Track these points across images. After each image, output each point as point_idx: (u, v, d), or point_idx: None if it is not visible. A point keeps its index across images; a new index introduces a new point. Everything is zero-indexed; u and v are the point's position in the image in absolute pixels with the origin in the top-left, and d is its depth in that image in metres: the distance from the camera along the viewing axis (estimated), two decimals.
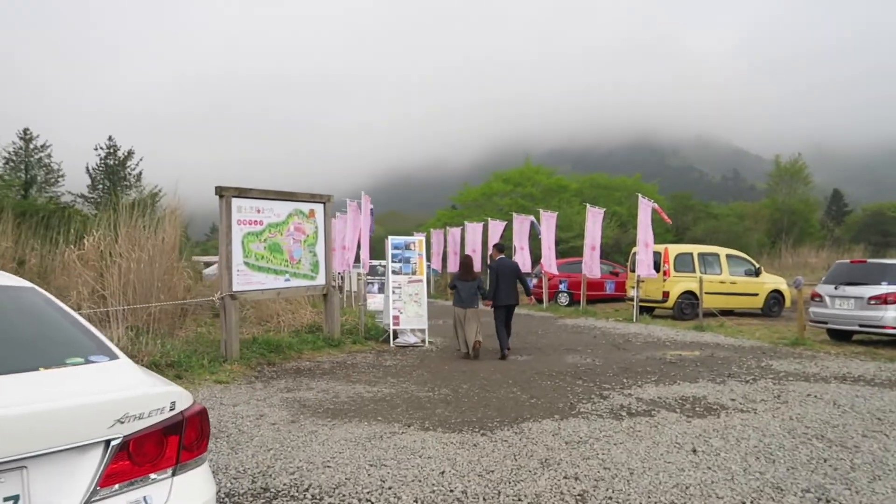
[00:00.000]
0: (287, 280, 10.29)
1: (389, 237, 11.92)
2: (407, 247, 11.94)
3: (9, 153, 41.26)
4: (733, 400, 7.28)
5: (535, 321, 16.85)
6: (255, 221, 9.79)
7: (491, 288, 10.81)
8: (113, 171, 44.04)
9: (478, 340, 10.45)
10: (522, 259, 24.23)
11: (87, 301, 10.31)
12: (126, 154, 45.26)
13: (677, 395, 7.51)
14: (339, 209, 22.61)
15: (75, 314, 2.95)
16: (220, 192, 9.26)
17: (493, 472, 4.81)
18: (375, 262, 18.23)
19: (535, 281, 23.33)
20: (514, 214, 23.66)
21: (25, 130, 43.54)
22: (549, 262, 21.18)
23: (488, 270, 11.29)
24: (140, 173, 44.78)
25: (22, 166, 42.36)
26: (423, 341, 11.67)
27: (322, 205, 11.01)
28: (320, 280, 10.91)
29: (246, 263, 9.61)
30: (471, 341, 10.38)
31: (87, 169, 45.20)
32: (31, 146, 42.98)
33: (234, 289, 9.40)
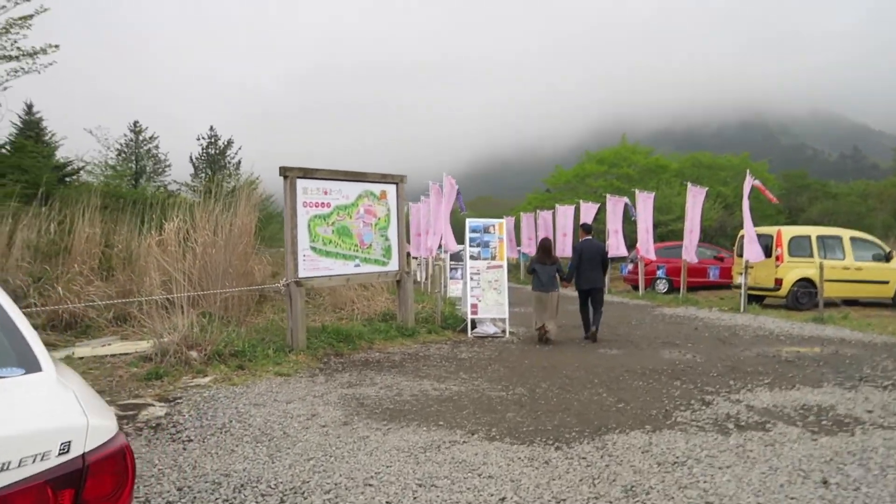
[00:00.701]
0: (357, 266, 9.73)
1: (468, 220, 11.12)
2: (486, 230, 11.10)
3: (121, 145, 43.75)
4: (870, 412, 5.99)
5: (630, 310, 15.59)
6: (322, 203, 9.25)
7: (571, 269, 10.57)
8: (213, 160, 45.80)
9: (544, 325, 10.09)
10: (616, 243, 22.85)
11: (159, 287, 10.18)
12: (226, 143, 46.87)
13: (798, 404, 6.30)
14: (425, 193, 22.07)
15: (13, 313, 2.34)
16: (284, 172, 8.78)
17: (563, 502, 3.94)
18: (460, 247, 17.51)
19: (630, 266, 21.89)
20: (608, 196, 22.25)
21: (135, 123, 45.88)
22: (646, 247, 19.71)
23: (573, 251, 11.09)
24: (239, 162, 46.28)
25: (133, 157, 44.91)
26: (504, 332, 10.84)
27: (394, 185, 10.35)
28: (393, 266, 10.28)
29: (313, 248, 9.11)
30: (540, 321, 10.12)
31: (191, 158, 47.25)
32: (141, 138, 45.44)
33: (300, 275, 8.92)
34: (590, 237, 10.85)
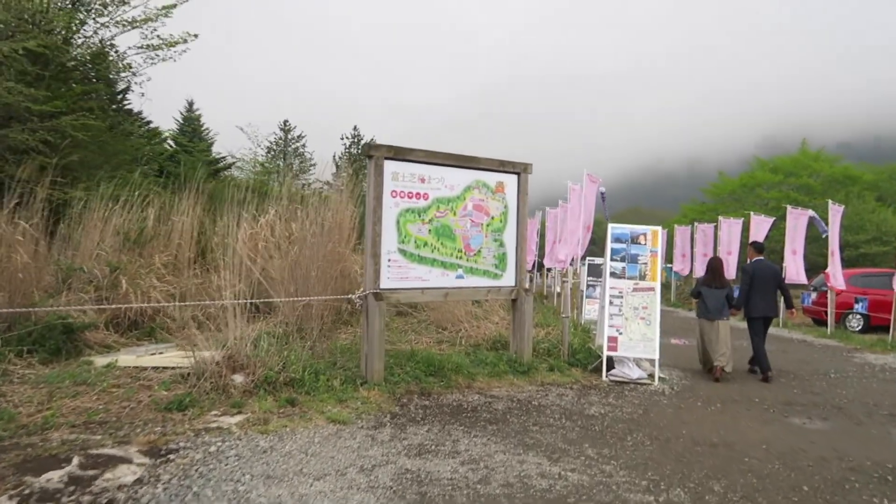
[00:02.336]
0: (459, 277, 7.50)
1: (610, 226, 8.52)
2: (634, 240, 8.44)
3: (270, 143, 45.12)
4: None
5: (818, 353, 12.07)
6: (418, 194, 7.13)
7: (742, 294, 9.14)
8: (355, 159, 46.00)
9: (720, 366, 8.56)
10: (796, 266, 18.94)
11: (233, 288, 8.60)
12: (369, 143, 46.95)
13: None
14: (562, 197, 19.51)
15: None
16: (369, 151, 6.75)
17: None
18: (598, 261, 14.77)
19: (813, 296, 17.86)
20: (789, 208, 18.37)
21: (285, 122, 47.33)
22: (835, 273, 15.80)
23: (742, 273, 9.69)
24: None
25: (281, 155, 46.24)
26: (652, 377, 8.12)
27: (515, 176, 8.02)
28: (508, 280, 7.95)
29: (401, 251, 7.01)
30: (713, 362, 8.66)
31: (334, 157, 47.81)
32: (289, 136, 46.79)
33: (382, 285, 6.85)
34: (761, 257, 9.45)
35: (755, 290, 9.00)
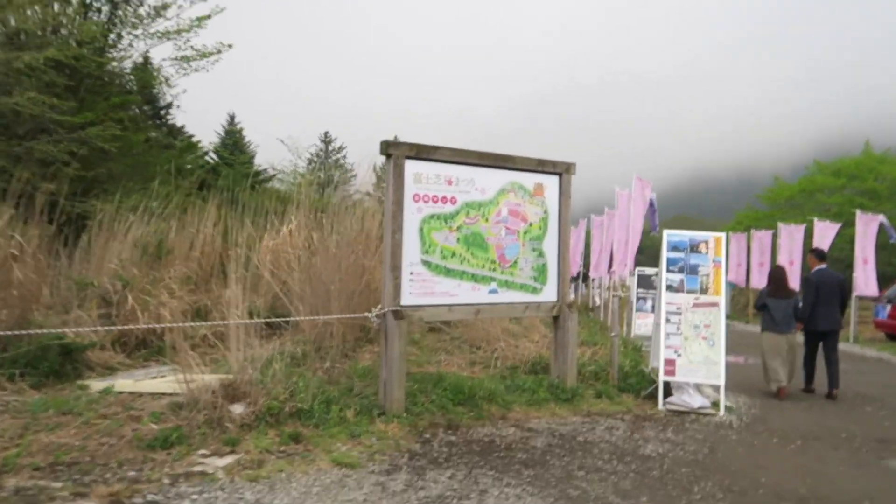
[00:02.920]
0: (493, 292, 6.59)
1: (667, 233, 7.50)
2: (694, 248, 7.40)
3: (311, 154, 45.12)
4: None
5: None
6: (444, 198, 6.26)
7: (806, 306, 8.51)
8: None
9: (783, 386, 8.14)
10: (865, 276, 17.46)
11: (244, 304, 7.87)
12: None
13: None
14: (608, 204, 18.43)
15: None
16: (387, 149, 5.92)
17: None
18: (649, 271, 13.64)
19: (888, 308, 16.29)
20: (858, 213, 16.90)
21: (326, 134, 47.28)
22: None
23: (804, 284, 9.06)
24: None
25: (322, 166, 46.13)
26: (716, 406, 7.05)
27: (556, 177, 7.08)
28: (548, 294, 7.00)
29: (426, 263, 6.15)
30: (779, 383, 8.14)
31: (374, 168, 47.45)
32: (330, 148, 46.72)
33: (404, 301, 6.00)
34: (824, 265, 8.86)
35: (819, 302, 8.43)
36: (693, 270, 7.31)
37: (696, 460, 5.37)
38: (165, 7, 17.65)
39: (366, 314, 6.01)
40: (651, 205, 12.23)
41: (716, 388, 7.23)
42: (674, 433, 6.15)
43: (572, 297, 7.19)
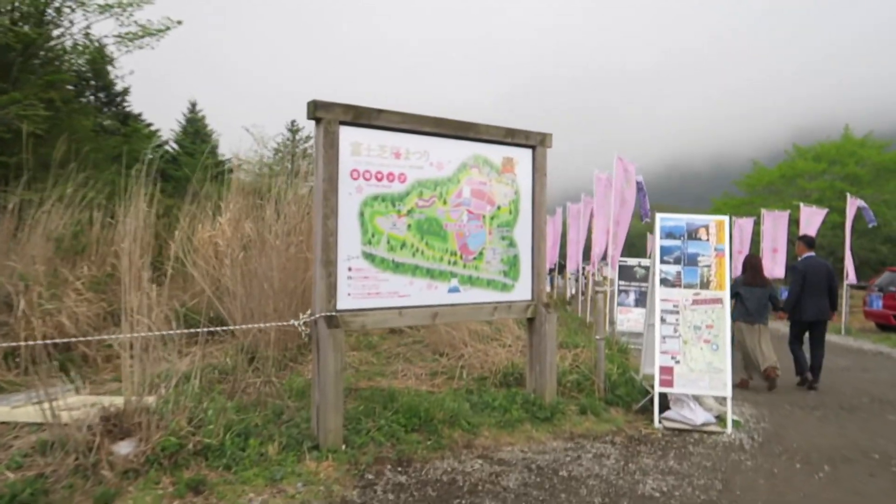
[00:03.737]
0: (454, 290, 5.38)
1: (659, 217, 6.36)
2: (692, 234, 6.26)
3: (278, 143, 43.40)
4: None
5: None
6: (391, 175, 5.03)
7: (792, 295, 8.24)
8: None
9: (772, 366, 7.76)
10: (848, 263, 16.72)
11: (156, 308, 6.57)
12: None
13: None
14: (587, 191, 17.34)
15: None
16: (315, 111, 4.65)
17: None
18: (631, 262, 12.56)
19: (882, 297, 15.45)
20: (849, 196, 16.03)
21: (293, 122, 45.66)
22: None
23: (791, 272, 8.88)
24: None
25: (289, 156, 44.51)
26: (722, 420, 5.94)
27: (529, 150, 5.88)
28: (521, 292, 5.82)
29: (368, 256, 4.92)
30: (762, 365, 7.78)
31: None
32: (297, 137, 45.12)
33: (340, 305, 4.77)
34: (812, 253, 8.49)
35: (806, 291, 8.14)
36: (692, 261, 6.18)
37: (709, 501, 4.23)
38: None
39: (292, 322, 4.75)
40: (640, 188, 11.12)
41: (720, 401, 6.12)
42: (676, 460, 5.02)
43: (549, 291, 6.05)
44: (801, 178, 27.61)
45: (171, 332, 5.43)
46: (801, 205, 18.11)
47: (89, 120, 18.68)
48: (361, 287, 4.90)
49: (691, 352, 5.98)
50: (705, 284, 6.12)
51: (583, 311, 16.39)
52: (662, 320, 6.09)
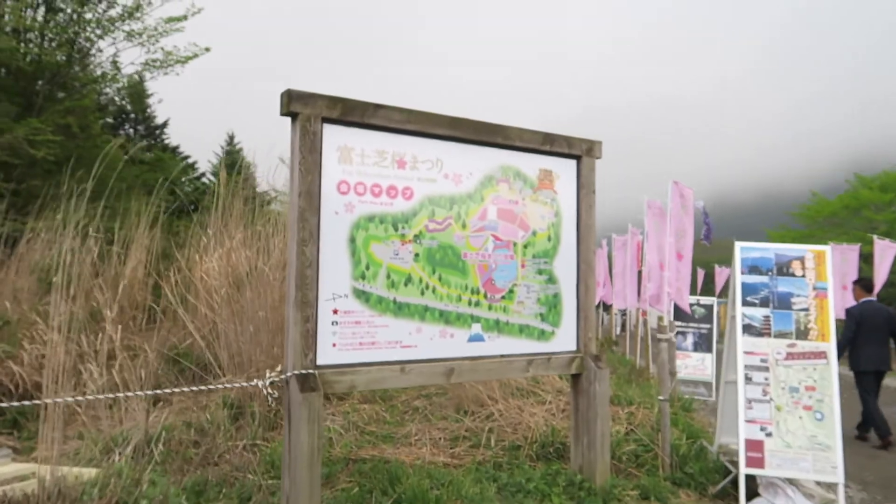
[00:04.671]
0: (476, 339, 4.15)
1: (739, 246, 5.04)
2: (783, 269, 4.91)
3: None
4: None
5: None
6: (392, 189, 3.87)
7: (843, 341, 7.31)
8: None
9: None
10: None
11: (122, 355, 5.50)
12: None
13: None
14: (635, 222, 15.95)
15: None
16: (290, 104, 3.53)
17: None
18: (692, 300, 11.10)
19: None
20: None
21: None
22: None
23: (846, 316, 7.91)
24: None
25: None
26: None
27: (574, 161, 4.67)
28: (564, 340, 4.55)
29: (360, 294, 3.74)
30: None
31: None
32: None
33: (322, 359, 3.59)
34: (871, 298, 7.94)
35: (864, 339, 7.53)
36: (783, 303, 4.82)
37: None
38: (139, 7, 15.74)
39: (255, 381, 3.57)
40: (704, 213, 9.75)
41: (829, 487, 4.69)
42: None
43: (599, 342, 4.76)
44: (867, 208, 25.60)
45: (107, 395, 4.33)
46: (875, 237, 16.32)
47: (119, 149, 18.29)
48: (351, 335, 3.71)
49: (787, 422, 4.59)
50: (802, 333, 4.74)
51: (632, 352, 14.89)
52: (747, 379, 4.72)
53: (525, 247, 4.40)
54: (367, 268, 3.78)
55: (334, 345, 3.66)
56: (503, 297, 4.28)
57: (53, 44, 15.45)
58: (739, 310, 4.85)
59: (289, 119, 3.64)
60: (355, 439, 5.38)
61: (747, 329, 4.83)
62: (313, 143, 3.59)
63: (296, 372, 3.48)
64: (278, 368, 3.61)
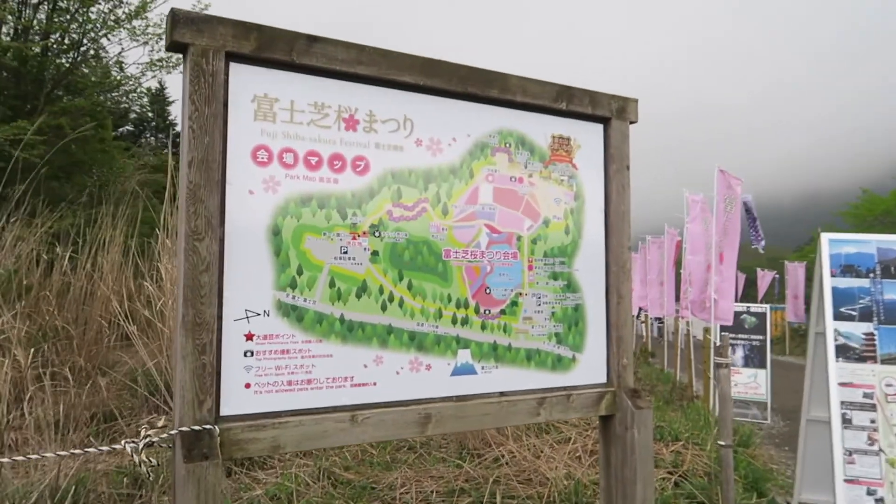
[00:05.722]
0: (464, 371, 2.96)
1: (826, 238, 3.75)
2: (890, 268, 3.60)
3: None
4: None
5: None
6: (337, 160, 2.71)
7: None
8: None
9: None
10: None
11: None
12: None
13: None
14: (672, 222, 14.67)
15: None
16: (176, 29, 2.41)
17: None
18: (738, 307, 9.73)
19: None
20: None
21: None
22: None
23: None
24: None
25: None
26: None
27: (600, 125, 3.45)
28: (589, 369, 3.33)
29: (287, 309, 2.57)
30: None
31: None
32: None
33: (227, 409, 2.43)
34: None
35: None
36: (893, 315, 3.53)
37: None
38: (145, 6, 15.08)
39: (124, 443, 2.43)
40: (748, 209, 8.45)
41: None
42: None
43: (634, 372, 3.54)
44: None
45: None
46: None
47: (122, 154, 17.56)
48: (274, 371, 2.55)
49: None
50: None
51: (670, 364, 13.51)
52: (845, 421, 3.43)
53: (533, 241, 3.19)
54: (300, 272, 2.61)
55: (248, 385, 2.50)
56: (503, 312, 3.08)
57: (56, 46, 14.81)
58: (831, 325, 3.57)
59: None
60: (323, 494, 4.21)
61: (842, 352, 3.54)
62: (212, 89, 2.44)
63: (182, 429, 2.32)
64: (162, 420, 2.47)
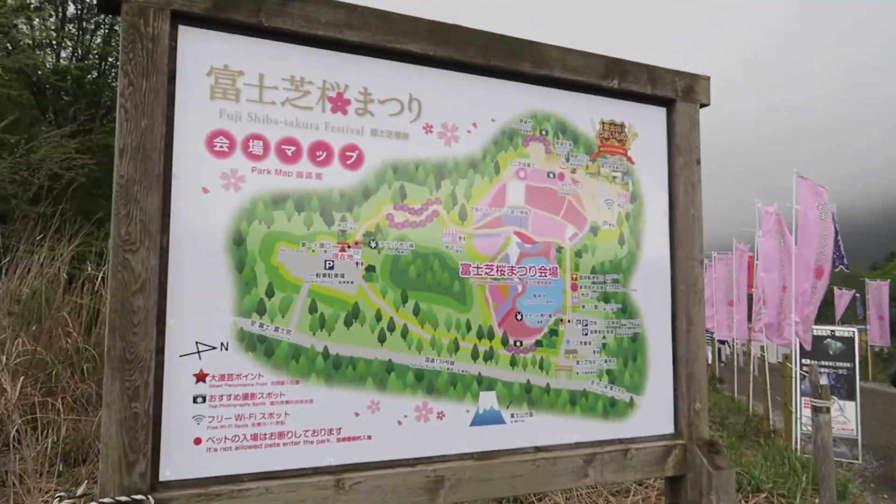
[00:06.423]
0: (488, 420, 2.31)
1: None
2: None
3: None
4: None
5: None
6: (320, 149, 2.13)
7: None
8: None
9: None
10: None
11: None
12: None
13: None
14: (742, 237, 13.63)
15: None
16: None
17: None
18: (821, 330, 8.69)
19: None
20: None
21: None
22: None
23: None
24: None
25: None
26: None
27: (662, 109, 2.78)
28: (652, 417, 2.62)
29: (252, 340, 1.99)
30: None
31: None
32: None
33: (169, 473, 1.85)
34: None
35: None
36: None
37: None
38: None
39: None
40: (833, 224, 7.52)
41: None
42: None
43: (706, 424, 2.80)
44: None
45: None
46: None
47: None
48: (233, 421, 1.96)
49: None
50: None
51: (741, 391, 12.43)
52: None
53: (578, 254, 2.53)
54: (270, 293, 2.03)
55: (198, 441, 1.92)
56: (538, 344, 2.42)
57: (112, 70, 15.06)
58: None
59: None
60: None
61: None
62: (153, 58, 1.90)
63: (104, 500, 1.76)
64: (83, 485, 1.92)
